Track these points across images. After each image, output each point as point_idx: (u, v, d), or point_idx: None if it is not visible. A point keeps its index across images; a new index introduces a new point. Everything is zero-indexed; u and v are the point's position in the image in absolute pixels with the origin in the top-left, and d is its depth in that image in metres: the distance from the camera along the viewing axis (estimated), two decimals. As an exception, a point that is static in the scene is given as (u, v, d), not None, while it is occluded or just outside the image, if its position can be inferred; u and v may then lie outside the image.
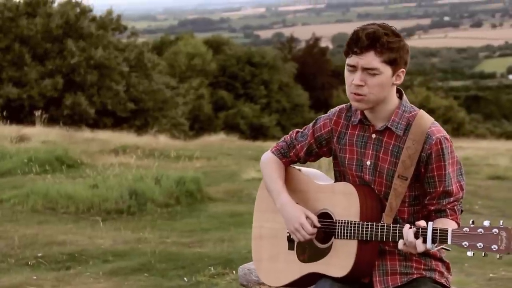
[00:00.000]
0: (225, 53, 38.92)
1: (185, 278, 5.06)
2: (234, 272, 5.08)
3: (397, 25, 2.60)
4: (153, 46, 35.25)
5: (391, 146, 2.48)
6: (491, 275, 5.05)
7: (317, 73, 42.43)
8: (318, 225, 2.53)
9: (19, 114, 23.40)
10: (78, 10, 27.74)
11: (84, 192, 7.54)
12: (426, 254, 2.49)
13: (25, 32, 26.29)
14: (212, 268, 5.19)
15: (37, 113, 15.23)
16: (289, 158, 2.71)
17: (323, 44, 51.28)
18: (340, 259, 2.47)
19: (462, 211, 2.51)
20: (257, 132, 33.58)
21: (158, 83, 28.57)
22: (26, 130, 14.10)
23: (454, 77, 68.67)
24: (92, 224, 6.87)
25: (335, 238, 2.50)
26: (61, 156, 9.97)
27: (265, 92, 37.96)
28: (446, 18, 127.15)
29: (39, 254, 5.64)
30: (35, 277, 5.04)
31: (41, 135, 13.26)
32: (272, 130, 35.00)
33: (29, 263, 5.45)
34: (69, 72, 26.42)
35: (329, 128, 2.62)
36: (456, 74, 71.20)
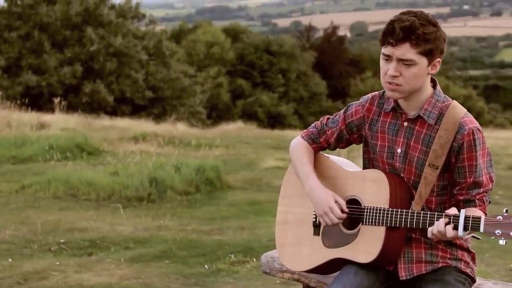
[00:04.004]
0: (243, 41, 38.88)
1: (205, 266, 5.08)
2: (254, 260, 5.10)
3: (415, 13, 2.54)
4: (171, 34, 35.28)
5: (422, 134, 2.49)
6: (512, 265, 5.03)
7: (335, 62, 42.29)
8: (347, 210, 2.54)
9: (38, 101, 23.58)
10: (97, -3, 27.83)
11: (105, 179, 7.58)
12: (452, 243, 2.50)
13: (44, 19, 26.41)
14: (232, 256, 5.22)
15: (56, 100, 15.36)
16: (319, 144, 2.72)
17: (341, 32, 51.06)
18: (367, 245, 2.48)
19: (490, 202, 2.51)
20: (274, 121, 33.58)
21: (176, 71, 28.63)
22: (46, 117, 14.22)
23: (474, 66, 68.09)
24: (112, 211, 6.92)
25: (362, 224, 2.51)
26: (81, 143, 10.05)
27: (283, 81, 37.91)
28: (466, 7, 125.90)
29: (61, 240, 5.70)
30: (58, 263, 5.09)
31: (60, 122, 13.38)
32: (290, 118, 34.98)
33: (52, 249, 5.51)
34: (88, 59, 26.54)
35: (361, 114, 2.62)
36: (475, 63, 70.58)
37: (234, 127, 16.62)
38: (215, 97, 33.64)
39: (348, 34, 66.00)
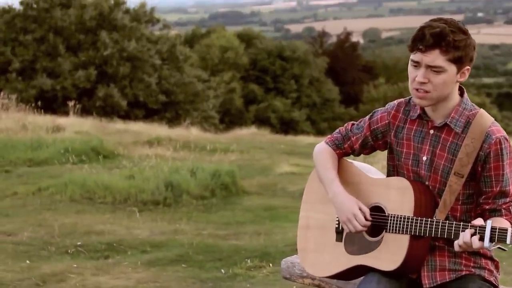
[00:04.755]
0: (256, 46, 38.94)
1: (222, 270, 5.09)
2: (271, 265, 5.11)
3: (429, 20, 2.50)
4: (184, 39, 35.41)
5: (448, 143, 2.48)
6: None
7: (347, 68, 42.27)
8: (370, 218, 2.53)
9: (52, 104, 23.72)
10: (111, 2, 28.00)
11: (121, 182, 7.61)
12: (476, 252, 2.49)
13: (59, 23, 26.58)
14: (249, 261, 5.22)
15: (71, 103, 15.44)
16: (343, 149, 2.71)
17: (354, 39, 51.03)
18: (390, 253, 2.47)
19: None
20: (287, 126, 33.58)
21: (189, 75, 28.70)
22: (61, 120, 14.29)
23: (487, 74, 67.78)
24: (129, 214, 6.95)
25: (386, 232, 2.50)
26: (97, 146, 10.09)
27: (296, 86, 37.92)
28: (480, 14, 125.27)
29: (79, 243, 5.73)
30: (75, 265, 5.12)
31: (75, 126, 13.44)
32: (302, 124, 34.96)
33: (69, 251, 5.55)
34: (102, 63, 26.67)
35: (387, 121, 2.62)
36: (488, 71, 70.25)
37: (248, 132, 16.64)
38: (227, 102, 33.70)
39: (361, 41, 66.02)
